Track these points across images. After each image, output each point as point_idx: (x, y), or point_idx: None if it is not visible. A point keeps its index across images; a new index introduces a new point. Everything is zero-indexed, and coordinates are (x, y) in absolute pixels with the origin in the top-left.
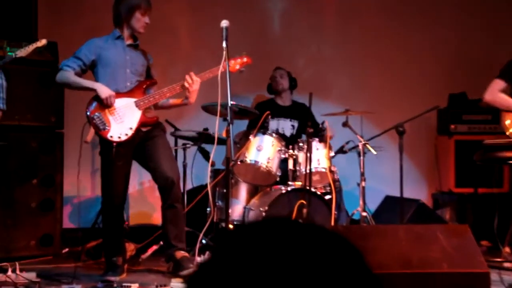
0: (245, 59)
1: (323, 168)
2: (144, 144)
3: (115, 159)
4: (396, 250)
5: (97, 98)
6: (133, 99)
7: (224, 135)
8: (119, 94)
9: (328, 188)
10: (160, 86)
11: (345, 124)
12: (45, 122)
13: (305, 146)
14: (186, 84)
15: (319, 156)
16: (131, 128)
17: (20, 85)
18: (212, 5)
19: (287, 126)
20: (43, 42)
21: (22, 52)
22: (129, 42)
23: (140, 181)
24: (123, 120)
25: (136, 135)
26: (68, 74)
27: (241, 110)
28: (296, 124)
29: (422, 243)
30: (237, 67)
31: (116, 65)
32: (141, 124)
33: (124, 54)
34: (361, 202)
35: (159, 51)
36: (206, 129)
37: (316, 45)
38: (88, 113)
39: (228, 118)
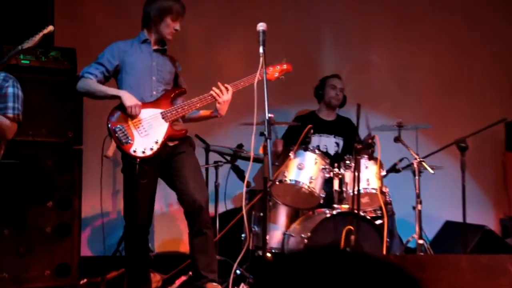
0: (285, 66)
1: (373, 189)
2: (171, 160)
3: (139, 177)
4: (459, 283)
5: (120, 107)
6: (160, 110)
7: (261, 151)
8: (144, 104)
9: (379, 212)
10: (189, 96)
11: (397, 139)
12: (61, 138)
13: (353, 164)
14: (214, 94)
15: (369, 176)
16: (156, 142)
17: (35, 96)
18: (248, 9)
19: (330, 143)
20: (49, 28)
21: (29, 43)
22: (156, 47)
23: (167, 202)
24: (148, 133)
25: (163, 150)
26: (90, 82)
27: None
28: (341, 141)
29: (489, 275)
30: (276, 74)
31: (141, 71)
32: (168, 137)
33: (150, 59)
34: (417, 228)
35: (190, 59)
36: (240, 146)
37: (363, 50)
38: (109, 125)
39: (266, 132)
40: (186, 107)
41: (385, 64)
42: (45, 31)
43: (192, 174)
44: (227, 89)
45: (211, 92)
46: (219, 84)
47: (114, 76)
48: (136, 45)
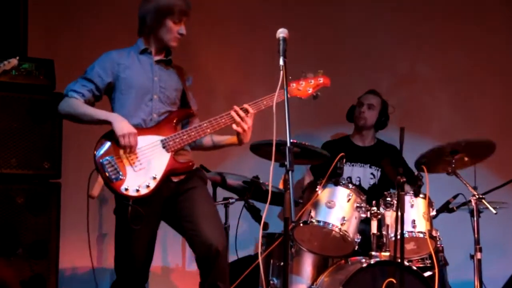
0: (321, 80)
1: (420, 232)
2: (177, 200)
3: (132, 222)
4: None
5: (111, 135)
6: (160, 137)
7: (281, 186)
8: (141, 131)
9: (428, 262)
10: (202, 117)
11: (450, 171)
12: (36, 169)
13: (395, 202)
14: (236, 117)
15: (415, 216)
16: (154, 178)
17: (3, 119)
18: (265, 14)
19: (365, 174)
20: (12, 63)
21: None
22: (158, 57)
23: (165, 255)
24: (145, 166)
25: (164, 187)
26: (76, 102)
27: (304, 151)
28: (378, 172)
29: None
30: (310, 90)
31: (140, 90)
32: (170, 172)
33: (151, 74)
34: (476, 282)
35: (197, 74)
36: (256, 178)
37: (407, 61)
38: (96, 157)
39: (287, 162)
40: (193, 133)
41: (435, 76)
42: (7, 66)
43: (206, 214)
44: (247, 111)
45: (231, 113)
46: (236, 108)
47: (107, 93)
48: (133, 55)
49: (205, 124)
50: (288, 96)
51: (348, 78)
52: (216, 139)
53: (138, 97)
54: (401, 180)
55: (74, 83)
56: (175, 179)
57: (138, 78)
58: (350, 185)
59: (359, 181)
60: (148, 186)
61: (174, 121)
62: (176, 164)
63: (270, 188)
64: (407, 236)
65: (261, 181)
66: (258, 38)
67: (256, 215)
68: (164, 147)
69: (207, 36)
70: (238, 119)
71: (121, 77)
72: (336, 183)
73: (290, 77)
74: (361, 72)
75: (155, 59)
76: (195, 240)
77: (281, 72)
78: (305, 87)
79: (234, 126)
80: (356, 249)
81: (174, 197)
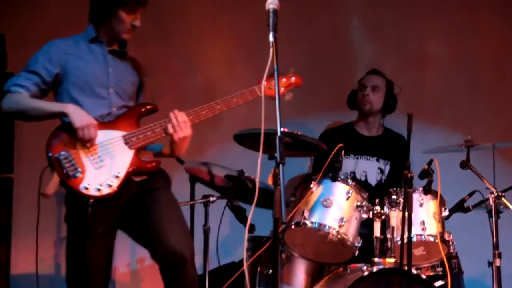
0: (293, 79)
1: (430, 236)
2: (139, 202)
3: (92, 225)
4: None
5: (66, 127)
6: (121, 133)
7: (270, 182)
8: (100, 125)
9: (440, 269)
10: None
11: (465, 165)
12: None
13: (401, 200)
14: (169, 128)
15: (425, 217)
16: (117, 177)
17: None
18: None
19: (372, 169)
20: None
21: None
22: (111, 47)
23: (133, 260)
24: (105, 163)
25: (125, 189)
26: (21, 97)
27: (297, 142)
28: (386, 166)
29: None
30: (281, 89)
31: (93, 81)
32: (134, 171)
33: (105, 65)
34: None
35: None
36: (241, 173)
37: (416, 39)
38: (50, 152)
39: (277, 154)
40: (158, 129)
41: (447, 58)
42: None
43: (170, 217)
44: (184, 121)
45: (170, 115)
46: (175, 112)
47: (53, 89)
48: (82, 44)
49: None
50: (260, 94)
51: (346, 59)
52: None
53: (92, 90)
54: (409, 175)
55: (17, 77)
56: (137, 179)
57: (90, 69)
58: (350, 181)
59: (365, 176)
60: (110, 186)
61: (136, 116)
62: (140, 163)
63: (257, 184)
64: (415, 240)
65: (246, 176)
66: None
67: (240, 215)
68: (126, 143)
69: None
70: (175, 122)
71: (70, 68)
72: (334, 179)
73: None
74: (362, 52)
75: (107, 49)
76: (158, 250)
77: (271, 49)
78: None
79: (169, 128)
80: (356, 254)
81: (136, 199)
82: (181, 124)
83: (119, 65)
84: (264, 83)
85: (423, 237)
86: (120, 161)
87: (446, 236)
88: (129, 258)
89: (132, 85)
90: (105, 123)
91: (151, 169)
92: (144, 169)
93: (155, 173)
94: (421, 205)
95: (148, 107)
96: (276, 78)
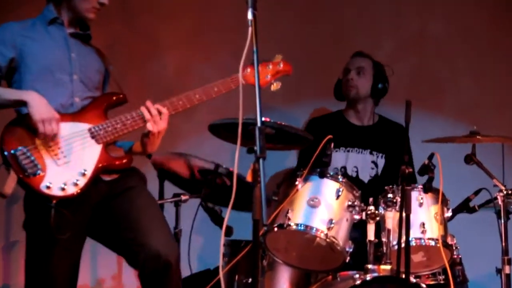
0: (280, 66)
1: (431, 239)
2: (110, 204)
3: (56, 230)
4: None
5: (23, 120)
6: (87, 125)
7: (249, 178)
8: (62, 116)
9: (442, 277)
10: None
11: (470, 159)
12: None
13: (399, 199)
14: (147, 115)
15: (425, 218)
16: (84, 174)
17: None
18: None
19: (364, 163)
20: None
21: None
22: (72, 29)
23: (95, 276)
24: (70, 159)
25: (93, 190)
26: None
27: (280, 133)
28: (381, 160)
29: None
30: (268, 77)
31: (54, 67)
32: (102, 168)
33: (66, 49)
34: None
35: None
36: (217, 168)
37: (416, 19)
38: (4, 149)
39: (257, 147)
40: (130, 121)
41: (451, 38)
42: None
43: (151, 217)
44: (159, 112)
45: (141, 111)
46: (148, 104)
47: (6, 77)
48: (40, 26)
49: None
50: (243, 83)
51: (337, 40)
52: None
53: (52, 76)
54: (407, 171)
55: None
56: (106, 178)
57: (50, 53)
58: (341, 178)
59: (357, 172)
60: (76, 184)
61: (103, 107)
62: (110, 159)
63: (234, 181)
64: (414, 244)
65: (222, 171)
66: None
67: (216, 216)
68: (93, 137)
69: None
70: (148, 116)
71: (27, 52)
72: (322, 175)
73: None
74: (355, 33)
75: (68, 31)
76: (138, 251)
77: (250, 29)
78: (263, 73)
79: (148, 125)
80: (347, 261)
81: (106, 201)
82: (157, 117)
83: (82, 50)
84: (247, 70)
85: (422, 241)
86: (86, 157)
87: (449, 240)
88: (88, 279)
89: (97, 74)
90: (69, 114)
91: (123, 165)
92: (114, 166)
93: (127, 171)
94: (420, 204)
95: (117, 97)
96: (255, 60)
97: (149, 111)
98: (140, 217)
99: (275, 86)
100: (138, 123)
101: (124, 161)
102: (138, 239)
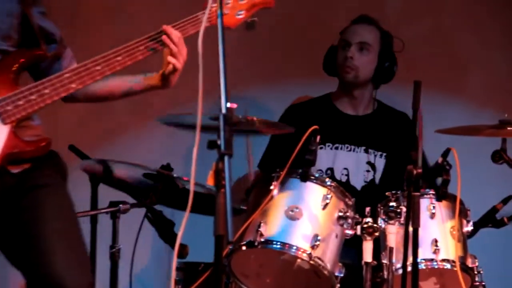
0: None
1: (446, 261)
2: (19, 205)
3: None
4: None
5: None
6: None
7: (210, 182)
8: None
9: None
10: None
11: (499, 157)
12: None
13: (404, 209)
14: (170, 43)
15: (438, 234)
16: None
17: None
18: None
19: (357, 164)
20: None
21: None
22: None
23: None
24: None
25: None
26: None
27: (251, 124)
28: (380, 161)
29: None
30: (240, 15)
31: None
32: (9, 157)
33: None
34: None
35: None
36: (167, 168)
37: None
38: None
39: (221, 142)
40: (48, 90)
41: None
42: None
43: (60, 233)
44: (179, 37)
45: (163, 38)
46: (166, 27)
47: None
48: None
49: (99, 59)
50: (207, 24)
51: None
52: (117, 82)
53: None
54: (415, 172)
55: None
56: (14, 170)
57: None
58: (329, 181)
59: (347, 175)
60: None
61: (13, 69)
62: (20, 144)
63: (192, 186)
64: (424, 267)
65: (175, 175)
66: None
67: (166, 231)
68: None
69: None
70: (174, 47)
71: None
72: (304, 178)
73: None
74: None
75: None
76: (37, 277)
77: None
78: (233, 9)
79: (169, 58)
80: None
81: (15, 201)
82: (179, 44)
83: None
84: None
85: (435, 263)
86: None
87: (469, 262)
88: None
89: (8, 17)
90: None
91: (36, 152)
92: (25, 153)
93: (43, 159)
94: (432, 216)
95: (29, 55)
96: (220, 33)
97: (171, 39)
98: (46, 233)
99: (250, 25)
100: (67, 88)
101: (40, 145)
102: (39, 263)
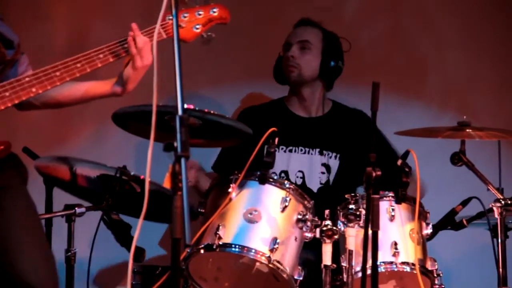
0: (215, 11)
1: (405, 264)
2: None
3: None
4: None
5: None
6: None
7: (166, 184)
8: None
9: None
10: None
11: (458, 159)
12: None
13: (363, 211)
14: (133, 49)
15: (397, 236)
16: None
17: None
18: None
19: (312, 166)
20: None
21: None
22: None
23: None
24: None
25: None
26: None
27: (209, 125)
28: (334, 162)
29: None
30: (197, 29)
31: None
32: None
33: None
34: None
35: None
36: (123, 170)
37: None
38: None
39: (177, 143)
40: (8, 93)
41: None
42: None
43: (23, 233)
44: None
45: (129, 40)
46: (135, 29)
47: None
48: None
49: (39, 75)
50: (164, 36)
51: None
52: (77, 87)
53: None
54: (374, 174)
55: None
56: None
57: None
58: (287, 183)
59: (303, 178)
60: None
61: None
62: None
63: (147, 188)
64: (383, 270)
65: (132, 173)
66: None
67: (122, 235)
68: None
69: None
70: (133, 49)
71: None
72: (263, 180)
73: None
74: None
75: None
76: (4, 277)
77: None
78: (190, 23)
79: (136, 60)
80: None
81: None
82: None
83: None
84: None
85: (394, 266)
86: None
87: (428, 265)
88: None
89: None
90: None
91: None
92: None
93: (3, 162)
94: (392, 218)
95: None
96: (175, 37)
97: (135, 43)
98: (11, 234)
99: (206, 39)
100: (28, 92)
101: (1, 148)
102: (5, 262)
